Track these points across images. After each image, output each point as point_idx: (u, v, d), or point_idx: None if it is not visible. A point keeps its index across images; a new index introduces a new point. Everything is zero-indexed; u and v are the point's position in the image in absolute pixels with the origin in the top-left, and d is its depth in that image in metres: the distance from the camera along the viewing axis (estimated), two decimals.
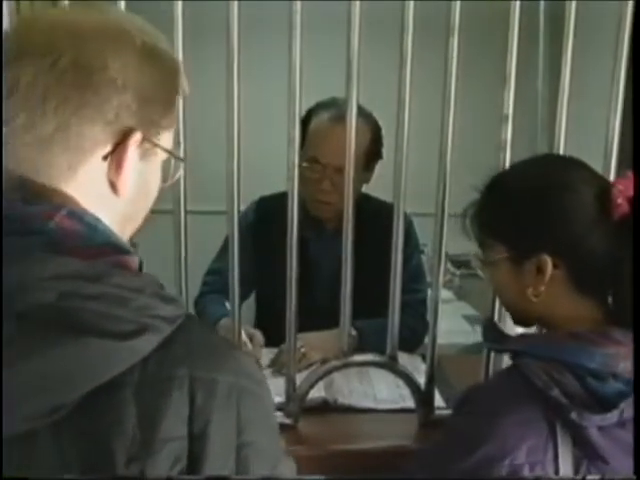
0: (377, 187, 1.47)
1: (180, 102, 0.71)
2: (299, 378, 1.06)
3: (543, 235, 0.78)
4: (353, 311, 1.04)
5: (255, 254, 1.46)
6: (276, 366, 1.28)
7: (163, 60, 0.60)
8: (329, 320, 1.12)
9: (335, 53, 1.15)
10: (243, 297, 1.28)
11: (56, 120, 0.54)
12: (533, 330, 0.92)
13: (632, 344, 0.72)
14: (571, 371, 0.72)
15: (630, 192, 0.75)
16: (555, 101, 1.01)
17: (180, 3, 0.93)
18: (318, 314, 1.21)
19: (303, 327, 1.08)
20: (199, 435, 0.52)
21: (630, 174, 0.77)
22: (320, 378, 1.07)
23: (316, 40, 1.55)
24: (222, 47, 0.94)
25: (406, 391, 1.11)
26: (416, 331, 1.40)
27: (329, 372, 1.08)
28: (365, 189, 1.50)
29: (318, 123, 1.41)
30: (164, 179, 0.67)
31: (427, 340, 1.09)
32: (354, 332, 1.25)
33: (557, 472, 0.70)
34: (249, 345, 1.29)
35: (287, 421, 1.03)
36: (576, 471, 0.70)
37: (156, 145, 0.61)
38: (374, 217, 1.25)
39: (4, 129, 0.55)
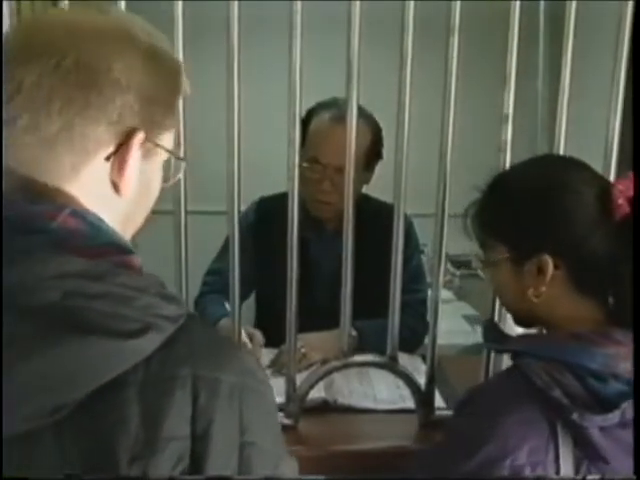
0: (377, 187, 1.47)
1: (180, 102, 0.71)
2: (299, 378, 1.06)
3: (544, 235, 0.78)
4: (353, 311, 1.03)
5: (255, 254, 1.46)
6: (276, 366, 1.28)
7: (165, 60, 0.60)
8: (329, 320, 1.12)
9: (335, 53, 1.15)
10: (243, 297, 1.28)
11: (60, 121, 0.54)
12: (534, 330, 0.92)
13: (632, 344, 0.72)
14: (572, 371, 0.72)
15: (630, 192, 0.75)
16: (555, 101, 1.01)
17: (180, 3, 0.93)
18: (318, 314, 1.21)
19: (303, 327, 1.08)
20: (202, 434, 0.52)
21: (630, 174, 0.77)
22: (320, 378, 1.07)
23: (316, 40, 1.56)
24: (222, 47, 0.94)
25: (406, 391, 1.11)
26: (416, 331, 1.40)
27: (329, 372, 1.08)
28: (365, 189, 1.50)
29: (318, 123, 1.41)
30: (165, 179, 0.67)
31: (427, 340, 1.09)
32: (354, 332, 1.25)
33: (558, 472, 0.69)
34: (249, 345, 1.29)
35: (287, 421, 1.03)
36: (577, 472, 0.70)
37: (158, 145, 0.61)
38: (374, 217, 1.25)
39: (7, 129, 0.54)
